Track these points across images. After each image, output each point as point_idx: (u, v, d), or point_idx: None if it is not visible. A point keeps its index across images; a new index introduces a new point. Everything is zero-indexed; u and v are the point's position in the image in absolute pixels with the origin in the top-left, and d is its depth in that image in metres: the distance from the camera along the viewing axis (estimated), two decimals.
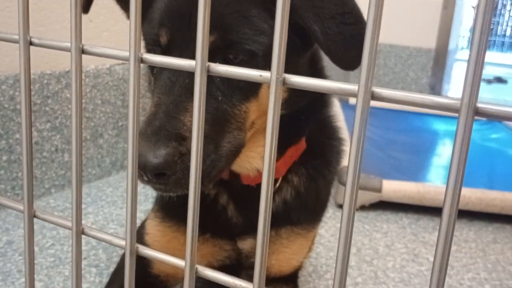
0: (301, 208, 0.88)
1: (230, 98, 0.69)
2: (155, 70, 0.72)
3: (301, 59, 0.77)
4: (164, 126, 0.63)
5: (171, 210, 0.87)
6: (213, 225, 0.85)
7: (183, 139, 0.63)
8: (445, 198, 0.33)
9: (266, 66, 0.71)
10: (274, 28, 0.37)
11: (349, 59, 0.67)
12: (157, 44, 0.71)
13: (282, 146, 0.81)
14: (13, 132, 1.35)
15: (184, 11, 0.69)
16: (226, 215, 0.86)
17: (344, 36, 0.66)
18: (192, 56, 0.65)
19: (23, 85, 0.49)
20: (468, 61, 0.31)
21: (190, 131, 0.64)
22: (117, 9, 0.85)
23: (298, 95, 0.77)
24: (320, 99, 0.85)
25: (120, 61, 1.63)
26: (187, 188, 0.64)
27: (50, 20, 1.42)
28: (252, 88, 0.71)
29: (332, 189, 0.96)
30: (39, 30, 1.38)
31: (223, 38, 0.68)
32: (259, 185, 0.80)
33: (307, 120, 0.83)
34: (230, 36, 0.68)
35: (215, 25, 0.65)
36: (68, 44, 0.46)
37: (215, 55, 0.68)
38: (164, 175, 0.62)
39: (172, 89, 0.66)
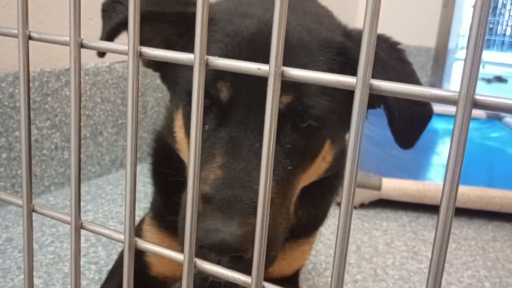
0: (304, 227, 0.89)
1: (296, 168, 0.65)
2: (206, 127, 0.64)
3: None
4: (239, 197, 0.55)
5: (166, 218, 0.84)
6: None
7: None
8: (442, 193, 0.33)
9: (332, 131, 0.69)
10: (263, 19, 0.37)
11: (409, 138, 0.71)
12: (213, 98, 0.63)
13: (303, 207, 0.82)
14: (12, 129, 1.35)
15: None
16: None
17: (411, 115, 0.68)
18: (261, 120, 0.62)
19: (22, 80, 0.49)
20: (466, 53, 0.31)
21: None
22: None
23: (335, 164, 0.76)
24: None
25: (120, 59, 1.63)
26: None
27: (49, 18, 1.42)
28: (314, 154, 0.68)
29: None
30: (38, 28, 1.38)
31: (300, 101, 0.63)
32: None
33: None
34: (305, 99, 0.63)
35: (291, 84, 0.58)
36: (67, 38, 0.46)
37: (287, 119, 0.63)
38: (239, 257, 0.53)
39: (239, 152, 0.59)
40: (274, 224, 0.60)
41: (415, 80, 0.70)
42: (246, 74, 0.64)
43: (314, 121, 0.64)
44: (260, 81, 0.61)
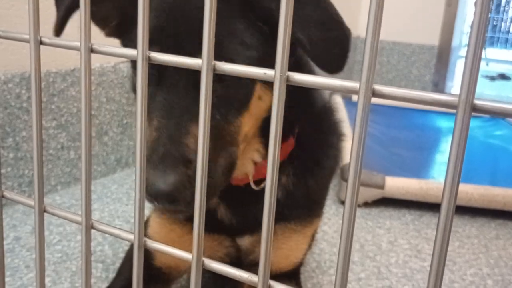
0: (292, 205, 0.89)
1: (226, 115, 0.70)
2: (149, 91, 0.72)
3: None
4: (170, 152, 0.64)
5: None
6: (209, 224, 0.87)
7: (190, 162, 0.65)
8: (443, 195, 0.34)
9: (256, 80, 0.72)
10: (279, 27, 0.38)
11: (333, 63, 0.70)
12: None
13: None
14: (19, 129, 1.37)
15: (178, 30, 0.68)
16: (219, 216, 0.88)
17: (327, 42, 0.70)
18: (188, 79, 0.66)
19: (33, 84, 0.50)
20: (466, 58, 0.32)
21: (195, 153, 0.63)
22: None
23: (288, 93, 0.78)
24: (309, 96, 0.87)
25: (125, 59, 1.64)
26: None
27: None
28: (244, 102, 0.72)
29: (330, 184, 0.97)
30: (46, 29, 1.39)
31: (219, 56, 0.65)
32: (247, 185, 0.82)
33: (294, 120, 0.84)
34: (224, 52, 0.67)
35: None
36: (78, 44, 0.47)
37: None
38: (176, 200, 0.64)
39: (172, 113, 0.67)
40: (211, 167, 0.65)
41: (330, 22, 0.69)
42: (176, 36, 0.69)
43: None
44: (188, 43, 0.66)
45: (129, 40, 0.79)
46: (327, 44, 0.69)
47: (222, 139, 0.70)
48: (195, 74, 0.68)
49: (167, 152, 0.64)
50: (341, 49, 0.70)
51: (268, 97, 0.76)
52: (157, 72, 0.69)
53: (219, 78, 0.69)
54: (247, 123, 0.75)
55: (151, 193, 0.62)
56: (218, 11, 0.68)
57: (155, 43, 0.67)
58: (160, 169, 0.63)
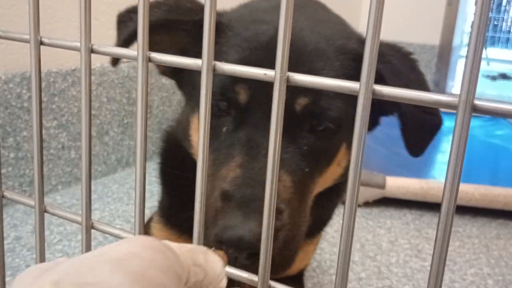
0: (308, 230, 0.90)
1: (312, 170, 0.65)
2: (224, 129, 0.65)
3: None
4: (257, 196, 0.55)
5: (173, 217, 0.87)
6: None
7: (279, 212, 0.57)
8: (443, 194, 0.34)
9: (347, 134, 0.68)
10: (279, 25, 0.38)
11: (417, 146, 0.70)
12: (231, 101, 0.64)
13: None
14: (20, 129, 1.37)
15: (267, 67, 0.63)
16: None
17: (422, 123, 0.69)
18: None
19: (34, 84, 0.50)
20: (466, 58, 0.32)
21: (286, 204, 0.59)
22: (122, 8, 0.85)
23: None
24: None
25: (125, 59, 1.64)
26: (276, 271, 0.59)
27: (56, 18, 1.44)
28: (328, 160, 0.68)
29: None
30: (45, 29, 1.39)
31: (317, 104, 0.63)
32: None
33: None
34: (322, 101, 0.63)
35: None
36: (78, 44, 0.47)
37: (304, 121, 0.64)
38: (256, 255, 0.53)
39: (257, 153, 0.60)
40: (293, 224, 0.60)
41: (426, 89, 0.69)
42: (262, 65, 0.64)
43: (331, 123, 0.65)
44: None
45: (188, 84, 0.73)
46: (420, 126, 0.68)
47: (303, 196, 0.64)
48: (285, 118, 0.66)
49: (254, 195, 0.55)
50: (430, 133, 0.69)
51: (345, 163, 0.73)
52: (235, 111, 0.64)
53: (310, 129, 0.65)
54: (318, 187, 0.69)
55: (231, 237, 0.53)
56: (320, 56, 0.66)
57: (243, 81, 0.61)
58: (244, 212, 0.54)
